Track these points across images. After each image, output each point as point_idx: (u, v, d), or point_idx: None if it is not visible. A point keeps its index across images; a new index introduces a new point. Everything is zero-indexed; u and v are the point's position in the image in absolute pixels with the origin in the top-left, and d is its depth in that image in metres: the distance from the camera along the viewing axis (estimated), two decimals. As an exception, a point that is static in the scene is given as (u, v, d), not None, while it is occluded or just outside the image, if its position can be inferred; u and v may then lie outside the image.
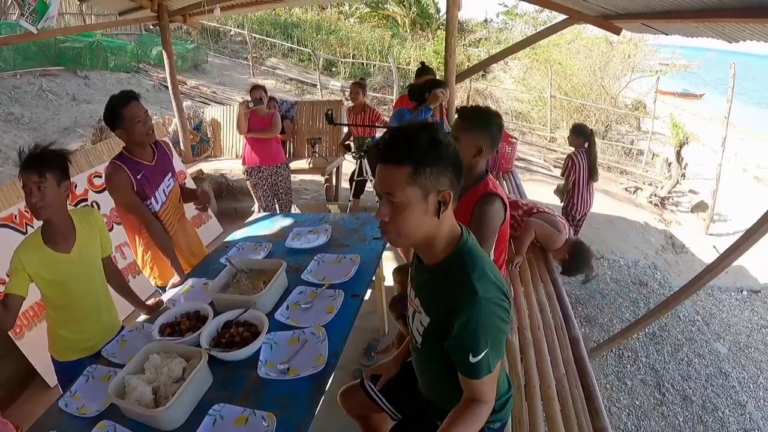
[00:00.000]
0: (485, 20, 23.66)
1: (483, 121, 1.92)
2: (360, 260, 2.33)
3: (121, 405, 1.48)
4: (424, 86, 3.32)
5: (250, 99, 4.14)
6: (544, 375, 1.87)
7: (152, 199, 2.32)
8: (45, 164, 1.71)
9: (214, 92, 10.46)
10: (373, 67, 15.40)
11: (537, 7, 18.44)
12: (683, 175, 9.47)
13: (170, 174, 2.45)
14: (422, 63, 4.44)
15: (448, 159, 1.08)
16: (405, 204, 1.07)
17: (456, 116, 2.01)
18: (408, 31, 18.45)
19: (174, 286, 2.33)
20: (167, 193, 2.42)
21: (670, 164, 10.45)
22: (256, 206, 4.58)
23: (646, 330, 4.24)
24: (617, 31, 4.90)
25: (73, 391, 1.68)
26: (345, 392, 1.74)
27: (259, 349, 1.72)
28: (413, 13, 18.73)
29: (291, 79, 13.55)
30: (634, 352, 3.92)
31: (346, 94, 6.36)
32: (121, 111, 2.12)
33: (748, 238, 2.99)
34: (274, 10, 18.39)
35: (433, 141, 1.06)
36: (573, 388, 1.72)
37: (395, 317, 2.47)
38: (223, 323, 1.83)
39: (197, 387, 1.56)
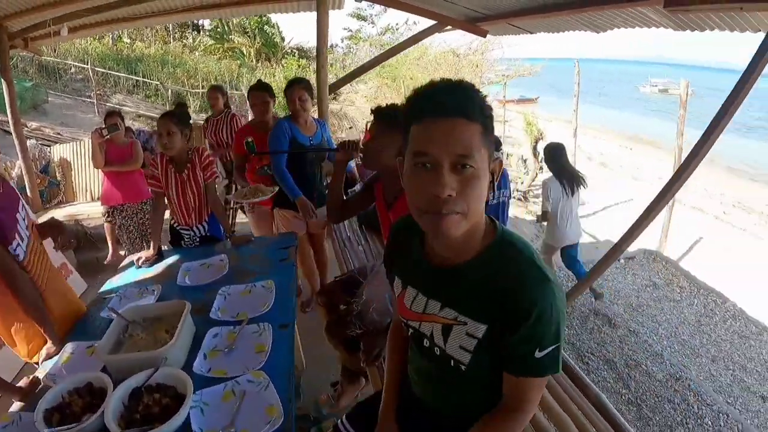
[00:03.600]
0: (330, 46, 24.36)
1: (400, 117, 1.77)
2: (275, 286, 2.02)
3: None
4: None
5: (104, 126, 3.52)
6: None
7: (17, 240, 1.72)
8: None
9: (59, 133, 9.08)
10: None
11: (380, 30, 19.61)
12: (541, 169, 10.39)
13: (21, 203, 1.85)
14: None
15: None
16: (479, 171, 0.83)
17: (372, 117, 1.84)
18: (254, 61, 18.29)
19: (49, 356, 1.75)
20: (27, 229, 1.82)
21: (525, 161, 11.52)
22: (110, 253, 3.94)
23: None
24: (483, 34, 5.13)
25: None
26: None
27: (188, 417, 1.30)
28: (258, 43, 18.61)
29: (140, 116, 12.58)
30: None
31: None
32: None
33: (649, 213, 3.25)
34: (116, 44, 17.17)
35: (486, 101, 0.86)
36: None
37: (335, 345, 2.17)
38: (130, 392, 1.37)
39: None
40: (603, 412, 1.35)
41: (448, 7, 4.71)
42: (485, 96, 0.86)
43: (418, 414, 1.20)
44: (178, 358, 1.57)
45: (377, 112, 1.82)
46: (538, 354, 0.89)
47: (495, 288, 0.90)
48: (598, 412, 1.35)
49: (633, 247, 6.15)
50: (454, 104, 0.82)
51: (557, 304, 0.88)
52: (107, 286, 2.34)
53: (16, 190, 1.92)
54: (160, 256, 2.51)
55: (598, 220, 8.80)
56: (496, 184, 0.91)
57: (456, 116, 0.82)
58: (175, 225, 2.72)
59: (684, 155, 4.11)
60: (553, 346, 0.89)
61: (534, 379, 0.93)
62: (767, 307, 4.75)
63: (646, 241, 5.99)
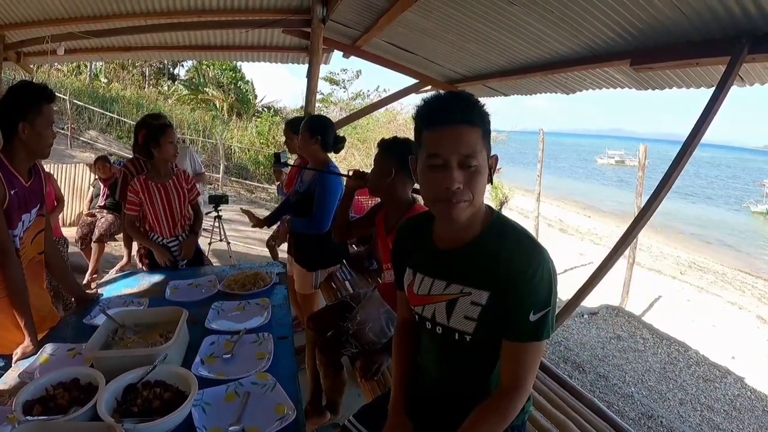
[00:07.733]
0: (301, 107, 24.96)
1: (392, 146, 1.94)
2: (270, 303, 2.02)
3: None
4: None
5: None
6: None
7: (17, 229, 1.71)
8: None
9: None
10: (198, 144, 14.92)
11: (351, 94, 20.45)
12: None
13: (39, 205, 1.84)
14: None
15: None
16: (481, 168, 1.00)
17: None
18: (226, 115, 18.66)
19: (25, 355, 1.65)
20: (26, 227, 1.79)
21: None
22: None
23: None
24: (460, 95, 5.51)
25: None
26: None
27: (189, 416, 1.25)
28: (231, 98, 19.12)
29: (111, 155, 12.44)
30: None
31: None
32: (43, 103, 1.71)
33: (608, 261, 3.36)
34: (93, 83, 17.25)
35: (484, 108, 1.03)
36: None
37: (324, 366, 2.14)
38: (124, 387, 1.31)
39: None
40: (600, 414, 1.41)
41: (430, 67, 5.08)
42: (483, 104, 1.03)
43: (428, 406, 1.23)
44: (175, 359, 1.52)
45: (379, 143, 2.00)
46: (532, 317, 1.00)
47: (495, 257, 1.03)
48: (596, 415, 1.41)
49: (596, 304, 6.39)
50: (459, 113, 0.99)
51: (549, 267, 1.01)
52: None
53: (43, 196, 1.91)
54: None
55: (560, 281, 9.07)
56: (493, 176, 1.06)
57: (461, 123, 0.98)
58: (159, 241, 2.73)
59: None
60: (546, 310, 1.01)
61: (530, 345, 1.02)
62: (729, 352, 4.99)
63: (608, 298, 6.23)
